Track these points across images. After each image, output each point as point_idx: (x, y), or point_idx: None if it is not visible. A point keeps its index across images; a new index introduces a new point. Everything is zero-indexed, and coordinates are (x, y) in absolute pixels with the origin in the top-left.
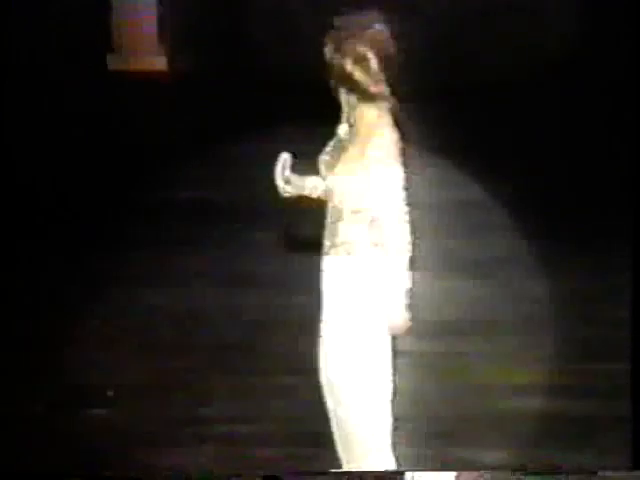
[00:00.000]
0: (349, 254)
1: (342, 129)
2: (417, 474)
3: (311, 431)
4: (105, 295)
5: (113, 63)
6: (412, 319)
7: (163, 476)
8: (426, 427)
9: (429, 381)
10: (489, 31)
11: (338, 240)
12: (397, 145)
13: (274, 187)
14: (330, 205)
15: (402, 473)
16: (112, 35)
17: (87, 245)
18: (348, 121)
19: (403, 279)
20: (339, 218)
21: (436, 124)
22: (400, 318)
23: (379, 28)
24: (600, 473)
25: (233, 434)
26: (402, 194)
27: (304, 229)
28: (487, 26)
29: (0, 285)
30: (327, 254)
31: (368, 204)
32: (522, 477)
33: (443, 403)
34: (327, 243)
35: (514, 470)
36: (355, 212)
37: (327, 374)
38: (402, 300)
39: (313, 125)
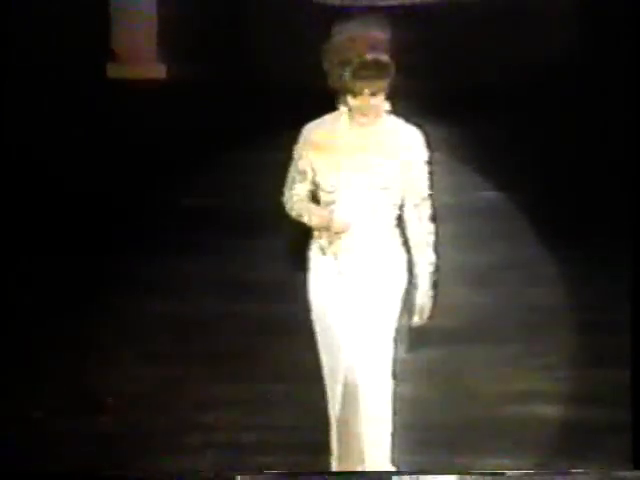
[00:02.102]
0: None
1: (343, 129)
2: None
3: (312, 438)
4: (105, 301)
5: (113, 71)
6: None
7: None
8: (428, 434)
9: (430, 387)
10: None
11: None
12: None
13: (273, 193)
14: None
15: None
16: (111, 44)
17: (88, 251)
18: (350, 122)
19: (427, 272)
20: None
21: (436, 132)
22: (426, 308)
23: (376, 33)
24: (600, 473)
25: (233, 441)
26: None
27: (304, 235)
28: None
29: (1, 290)
30: (342, 253)
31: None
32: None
33: (444, 410)
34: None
35: (515, 473)
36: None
37: (347, 378)
38: (428, 290)
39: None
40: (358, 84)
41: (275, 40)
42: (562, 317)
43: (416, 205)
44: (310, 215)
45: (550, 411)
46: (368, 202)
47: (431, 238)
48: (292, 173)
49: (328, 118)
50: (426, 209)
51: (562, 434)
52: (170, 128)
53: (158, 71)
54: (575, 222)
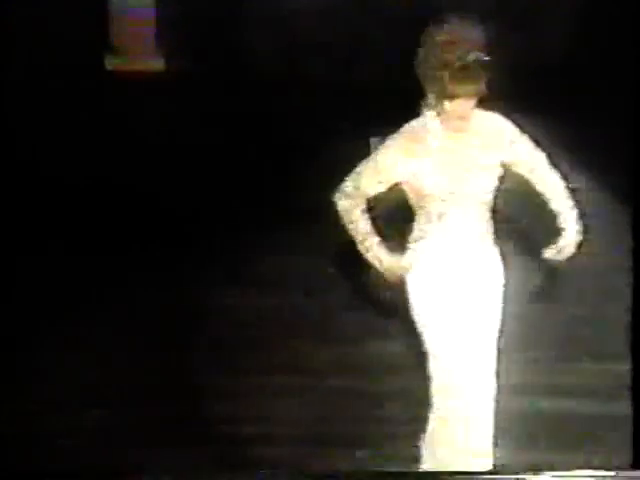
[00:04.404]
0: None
1: (426, 125)
2: None
3: (313, 431)
4: (106, 294)
5: (111, 63)
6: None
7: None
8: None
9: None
10: None
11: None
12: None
13: (271, 186)
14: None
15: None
16: (110, 35)
17: (84, 244)
18: (439, 123)
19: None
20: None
21: None
22: (569, 248)
23: (475, 33)
24: (600, 473)
25: (234, 434)
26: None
27: (306, 229)
28: None
29: None
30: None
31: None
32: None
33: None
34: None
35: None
36: (484, 203)
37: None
38: (576, 234)
39: (310, 123)
40: (459, 87)
41: (273, 34)
42: (560, 309)
43: (532, 170)
44: (369, 252)
45: (547, 404)
46: (477, 209)
47: (562, 185)
48: (367, 178)
49: (416, 125)
50: (543, 164)
51: (560, 428)
52: (168, 120)
53: (157, 63)
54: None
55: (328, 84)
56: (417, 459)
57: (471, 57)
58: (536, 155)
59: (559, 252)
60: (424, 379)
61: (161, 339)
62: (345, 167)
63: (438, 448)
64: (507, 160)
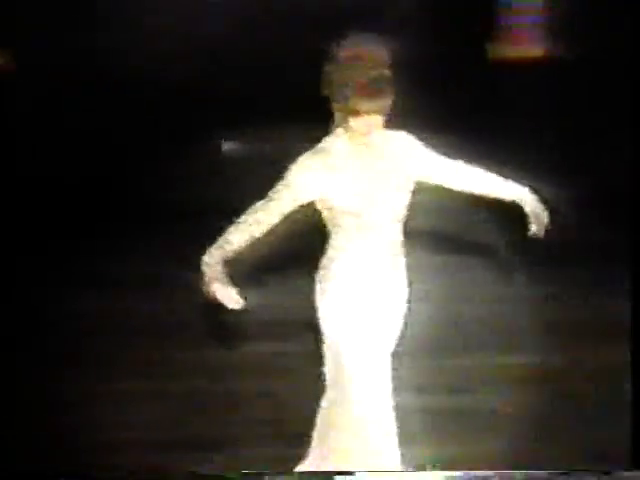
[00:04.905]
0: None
1: (334, 143)
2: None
3: (172, 435)
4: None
5: None
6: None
7: None
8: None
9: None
10: None
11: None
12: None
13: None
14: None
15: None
16: None
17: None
18: (341, 135)
19: (514, 186)
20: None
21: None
22: (542, 214)
23: (379, 50)
24: (600, 473)
25: (90, 441)
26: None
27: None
28: None
29: None
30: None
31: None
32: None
33: (436, 401)
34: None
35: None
36: (397, 219)
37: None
38: (533, 197)
39: (157, 124)
40: (364, 103)
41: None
42: (558, 305)
43: (450, 177)
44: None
45: (546, 403)
46: (391, 224)
47: (486, 172)
48: (281, 197)
49: (325, 143)
50: (460, 167)
51: (559, 427)
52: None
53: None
54: (577, 205)
55: (177, 87)
56: (282, 460)
57: (374, 74)
58: (447, 163)
59: (536, 220)
60: (290, 381)
61: (16, 344)
62: (191, 169)
63: (330, 447)
64: (419, 175)
